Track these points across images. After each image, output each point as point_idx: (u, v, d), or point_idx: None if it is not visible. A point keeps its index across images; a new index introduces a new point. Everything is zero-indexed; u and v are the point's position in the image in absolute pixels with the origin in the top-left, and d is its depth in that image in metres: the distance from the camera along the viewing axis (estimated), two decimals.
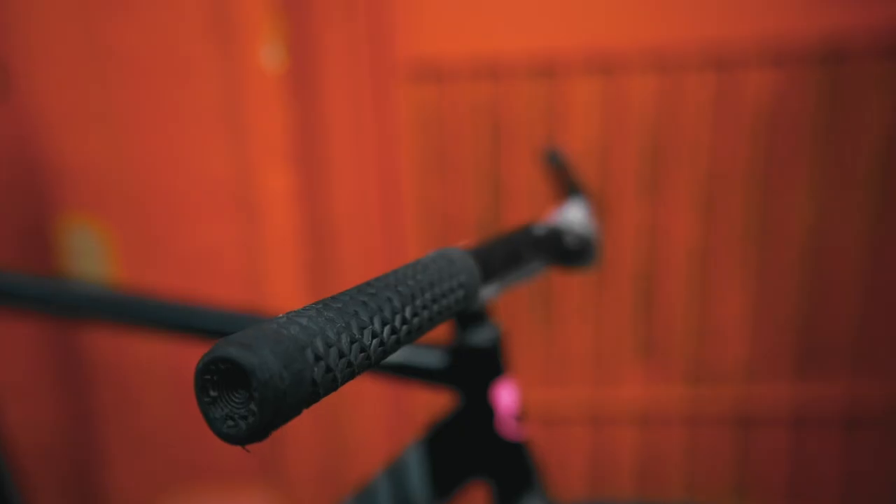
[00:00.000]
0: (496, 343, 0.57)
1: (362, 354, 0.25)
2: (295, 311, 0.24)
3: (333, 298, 0.26)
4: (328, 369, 0.23)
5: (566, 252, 0.50)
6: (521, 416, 0.58)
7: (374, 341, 0.26)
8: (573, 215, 0.55)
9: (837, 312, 1.20)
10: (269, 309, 1.21)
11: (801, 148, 1.14)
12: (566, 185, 0.68)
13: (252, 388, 0.20)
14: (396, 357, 0.58)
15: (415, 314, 0.28)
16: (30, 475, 1.26)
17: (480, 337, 0.56)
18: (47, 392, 1.29)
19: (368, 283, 0.28)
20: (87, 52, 1.16)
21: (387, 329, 0.26)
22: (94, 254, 1.24)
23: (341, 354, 0.24)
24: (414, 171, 1.19)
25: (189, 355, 1.13)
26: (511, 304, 1.23)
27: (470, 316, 0.56)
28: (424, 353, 0.58)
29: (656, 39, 1.10)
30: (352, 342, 0.25)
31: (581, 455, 1.28)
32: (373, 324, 0.26)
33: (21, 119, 1.19)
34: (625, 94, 1.13)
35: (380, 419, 1.28)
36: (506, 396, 0.57)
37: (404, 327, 0.28)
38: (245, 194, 1.20)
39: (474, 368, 0.57)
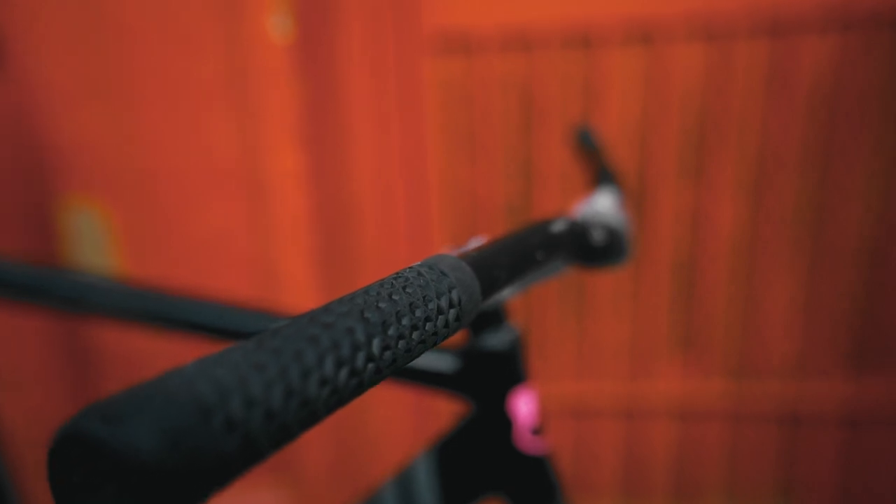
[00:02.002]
0: (514, 347, 0.51)
1: (305, 410, 0.19)
2: (214, 355, 0.18)
3: (275, 332, 0.20)
4: (248, 437, 0.17)
5: (592, 250, 0.44)
6: (541, 429, 0.52)
7: (325, 390, 0.20)
8: (602, 205, 0.48)
9: None
10: (284, 303, 1.17)
11: (864, 126, 1.04)
12: (597, 170, 0.61)
13: (121, 478, 0.15)
14: None
15: (386, 347, 0.23)
16: (30, 470, 1.25)
17: (496, 340, 0.51)
18: (50, 385, 1.26)
19: (327, 308, 0.22)
20: (87, 23, 1.11)
21: (344, 372, 0.21)
22: (95, 237, 1.20)
23: (270, 415, 0.18)
24: (440, 149, 1.13)
25: (198, 347, 1.10)
26: (540, 292, 1.16)
27: (484, 317, 0.51)
28: (434, 355, 0.53)
29: (702, 4, 1.00)
30: (289, 395, 0.19)
31: (614, 450, 1.22)
32: (323, 367, 0.20)
33: (17, 94, 1.15)
34: (667, 65, 1.04)
35: (398, 418, 1.23)
36: (524, 406, 0.51)
37: (370, 366, 0.22)
38: (253, 175, 1.15)
39: (489, 375, 0.51)
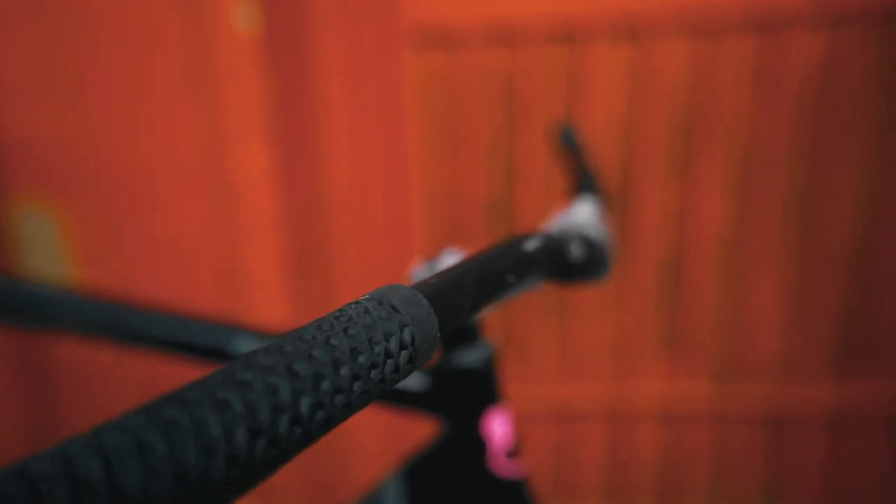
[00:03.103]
0: (488, 365, 0.48)
1: (206, 495, 0.16)
2: (82, 437, 0.14)
3: (173, 397, 0.16)
4: None
5: (569, 266, 0.41)
6: (516, 451, 0.50)
7: (235, 468, 0.16)
8: (582, 216, 0.45)
9: (886, 306, 1.08)
10: (254, 311, 1.12)
11: (853, 122, 1.01)
12: (578, 173, 0.58)
13: None
14: None
15: (318, 405, 0.19)
16: None
17: (470, 357, 0.48)
18: (8, 401, 1.18)
19: (248, 360, 0.18)
20: (36, 10, 1.03)
21: (261, 443, 0.17)
22: (47, 243, 1.12)
23: None
24: (420, 146, 1.09)
25: (162, 363, 1.05)
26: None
27: (457, 332, 0.48)
28: None
29: None
30: (182, 482, 0.15)
31: (598, 453, 1.20)
32: (233, 438, 0.16)
33: None
34: (653, 61, 1.01)
35: (369, 435, 1.19)
36: (498, 427, 0.49)
37: (297, 430, 0.18)
38: (219, 174, 1.08)
39: (462, 394, 0.48)
